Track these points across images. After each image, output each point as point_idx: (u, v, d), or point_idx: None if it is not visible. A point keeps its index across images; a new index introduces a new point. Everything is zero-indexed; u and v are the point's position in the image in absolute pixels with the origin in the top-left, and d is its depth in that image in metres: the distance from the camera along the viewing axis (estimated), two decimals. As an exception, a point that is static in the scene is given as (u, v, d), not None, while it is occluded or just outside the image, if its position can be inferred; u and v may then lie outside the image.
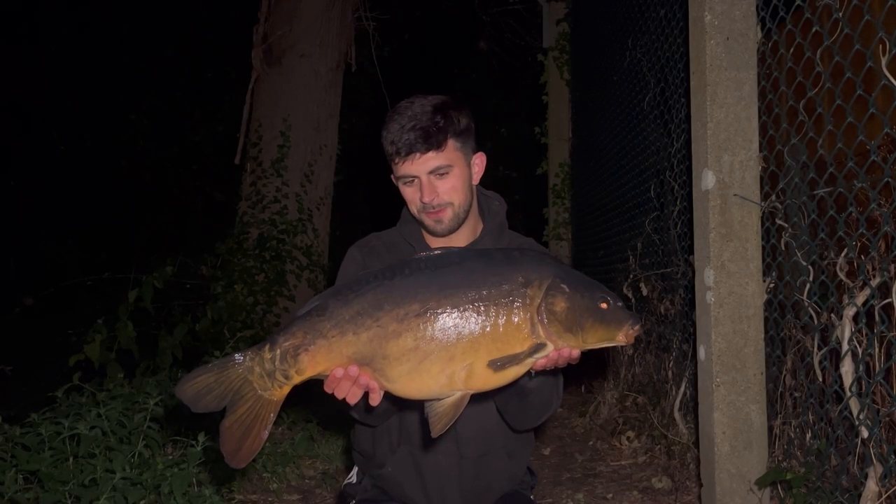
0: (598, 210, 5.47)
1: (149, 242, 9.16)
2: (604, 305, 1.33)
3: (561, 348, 1.33)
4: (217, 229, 7.27)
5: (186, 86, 9.83)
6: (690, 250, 2.79)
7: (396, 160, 1.64)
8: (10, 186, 9.81)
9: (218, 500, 2.67)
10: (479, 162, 1.73)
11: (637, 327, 1.35)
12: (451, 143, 1.64)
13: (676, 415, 3.34)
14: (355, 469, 1.93)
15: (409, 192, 1.68)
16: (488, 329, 1.29)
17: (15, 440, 2.68)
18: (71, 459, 2.63)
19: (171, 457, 2.87)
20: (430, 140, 1.60)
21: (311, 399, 4.11)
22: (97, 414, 2.81)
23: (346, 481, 1.95)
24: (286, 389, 1.35)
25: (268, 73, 6.06)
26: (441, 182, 1.64)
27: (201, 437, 2.72)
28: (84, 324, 4.26)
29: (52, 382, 3.19)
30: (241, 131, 6.20)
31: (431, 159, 1.62)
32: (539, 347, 1.31)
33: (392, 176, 1.72)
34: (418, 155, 1.61)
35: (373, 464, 1.80)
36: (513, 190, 10.73)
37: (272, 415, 1.35)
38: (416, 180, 1.65)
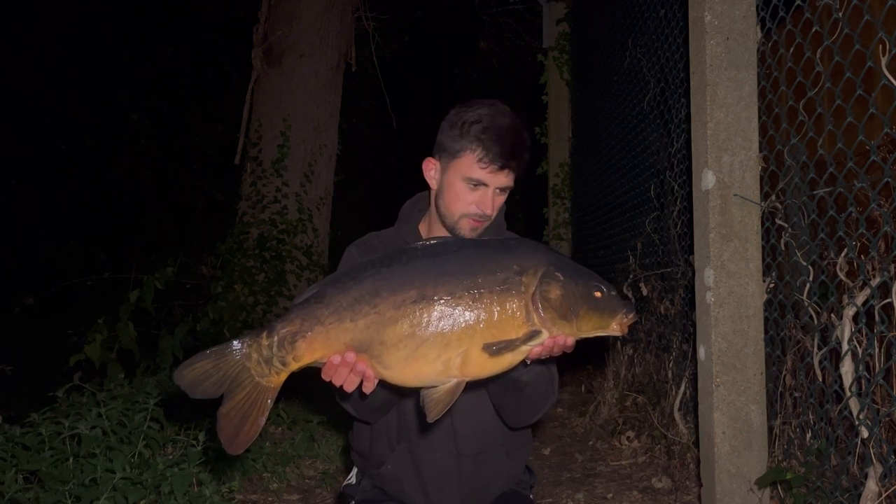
0: (598, 210, 5.47)
1: (149, 242, 9.15)
2: (598, 294, 1.35)
3: (556, 335, 1.34)
4: (217, 229, 7.27)
5: (187, 86, 9.82)
6: (690, 250, 2.79)
7: (477, 160, 1.63)
8: (10, 186, 9.81)
9: (218, 500, 2.67)
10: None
11: (631, 316, 1.36)
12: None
13: (676, 415, 3.34)
14: (354, 470, 1.94)
15: (464, 192, 1.66)
16: (483, 315, 1.30)
17: (15, 440, 2.69)
18: (71, 459, 2.63)
19: (171, 457, 2.87)
20: (518, 163, 1.64)
21: (311, 399, 4.11)
22: (97, 414, 2.81)
23: (345, 482, 1.95)
24: (283, 376, 1.36)
25: (268, 73, 6.06)
26: (498, 199, 1.68)
27: (201, 437, 2.72)
28: (84, 324, 4.26)
29: (52, 382, 3.19)
30: (241, 131, 6.19)
31: (507, 178, 1.65)
32: (534, 334, 1.32)
33: (437, 159, 1.70)
34: (506, 171, 1.64)
35: (371, 463, 1.80)
36: (513, 190, 10.70)
37: (269, 401, 1.36)
38: (483, 189, 1.65)
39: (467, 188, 1.65)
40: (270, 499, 3.27)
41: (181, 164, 9.99)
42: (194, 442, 2.76)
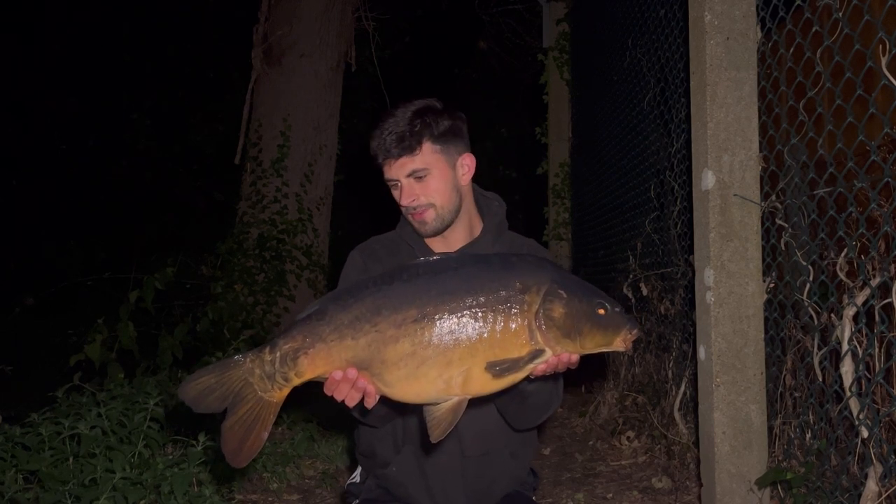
0: (598, 210, 5.46)
1: (149, 242, 9.15)
2: (601, 311, 1.34)
3: (560, 354, 1.33)
4: (217, 229, 7.27)
5: (188, 86, 9.83)
6: (690, 250, 2.79)
7: (380, 165, 1.71)
8: (11, 186, 9.81)
9: (218, 500, 2.67)
10: (468, 163, 1.75)
11: (635, 332, 1.36)
12: (428, 147, 1.67)
13: (676, 415, 3.34)
14: (359, 468, 1.94)
15: (395, 195, 1.73)
16: (486, 335, 1.29)
17: (15, 440, 2.68)
18: (71, 459, 2.63)
19: (171, 457, 2.87)
20: (404, 144, 1.65)
21: (311, 399, 4.11)
22: (97, 414, 2.81)
23: (349, 480, 1.95)
24: (286, 391, 1.37)
25: (268, 73, 6.06)
26: (420, 185, 1.68)
27: (201, 437, 2.72)
28: (84, 324, 4.26)
29: (52, 382, 3.19)
30: (241, 131, 6.19)
31: (407, 163, 1.67)
32: (538, 353, 1.31)
33: None
34: (393, 160, 1.67)
35: (376, 464, 1.81)
36: (513, 190, 10.71)
37: (272, 416, 1.37)
38: (398, 183, 1.70)
39: (393, 190, 1.73)
40: (270, 499, 3.27)
41: (181, 164, 9.99)
42: (194, 442, 2.75)
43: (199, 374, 1.35)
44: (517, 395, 1.61)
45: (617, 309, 1.36)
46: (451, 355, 1.29)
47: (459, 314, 1.30)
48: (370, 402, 1.35)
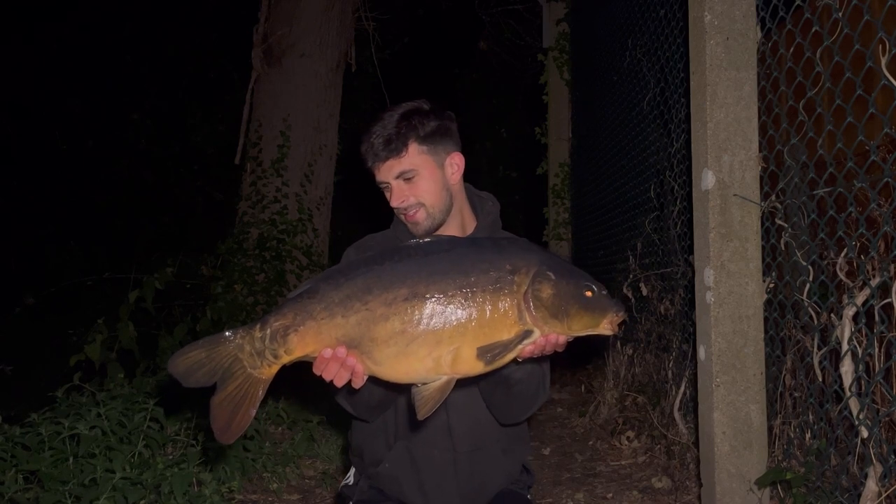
0: (598, 210, 5.47)
1: (149, 242, 9.15)
2: (588, 293, 1.36)
3: (548, 334, 1.35)
4: (217, 229, 7.27)
5: (188, 86, 9.83)
6: (690, 250, 2.79)
7: (371, 169, 1.73)
8: (11, 186, 9.81)
9: (218, 500, 2.67)
10: (457, 162, 1.77)
11: (621, 315, 1.38)
12: (414, 148, 1.69)
13: (676, 415, 3.34)
14: (352, 470, 1.94)
15: (387, 197, 1.76)
16: (475, 314, 1.31)
17: (15, 440, 2.69)
18: (71, 459, 2.63)
19: (171, 457, 2.87)
20: (390, 147, 1.68)
21: (311, 399, 4.11)
22: (97, 414, 2.81)
23: (342, 483, 1.96)
24: (275, 368, 1.38)
25: (268, 73, 6.05)
26: (408, 186, 1.71)
27: (201, 437, 2.72)
28: (84, 324, 4.26)
29: (52, 382, 3.19)
30: (241, 131, 6.19)
31: (394, 165, 1.69)
32: (527, 334, 1.33)
33: None
34: (381, 163, 1.70)
35: (369, 462, 1.81)
36: (513, 190, 10.71)
37: (261, 393, 1.38)
38: (388, 185, 1.72)
39: (385, 192, 1.75)
40: (270, 499, 3.27)
41: (181, 164, 9.99)
42: (194, 442, 2.76)
43: (189, 348, 1.36)
44: (504, 383, 1.62)
45: (604, 292, 1.38)
46: (441, 334, 1.30)
47: (450, 293, 1.31)
48: (357, 382, 1.36)
